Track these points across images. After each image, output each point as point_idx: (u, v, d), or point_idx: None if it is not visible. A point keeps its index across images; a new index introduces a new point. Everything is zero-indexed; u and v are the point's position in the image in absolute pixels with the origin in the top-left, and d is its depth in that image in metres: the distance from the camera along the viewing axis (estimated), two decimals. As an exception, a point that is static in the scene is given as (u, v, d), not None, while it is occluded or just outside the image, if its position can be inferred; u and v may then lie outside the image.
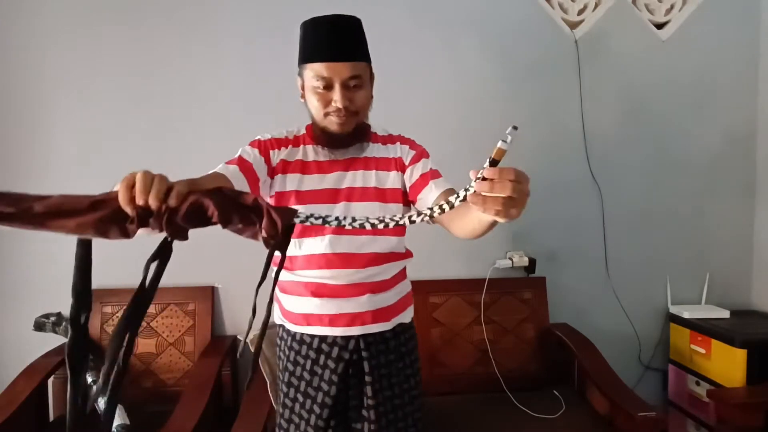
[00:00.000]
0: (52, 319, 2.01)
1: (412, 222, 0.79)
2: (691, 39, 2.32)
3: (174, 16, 2.09)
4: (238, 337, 1.91)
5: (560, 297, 2.27)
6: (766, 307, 2.34)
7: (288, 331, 1.24)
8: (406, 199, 1.21)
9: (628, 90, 2.31)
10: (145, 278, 0.67)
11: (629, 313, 2.32)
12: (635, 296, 2.33)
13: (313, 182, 1.18)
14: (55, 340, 2.00)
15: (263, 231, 0.68)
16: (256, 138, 1.21)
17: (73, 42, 2.05)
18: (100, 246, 2.22)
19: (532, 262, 2.23)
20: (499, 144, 0.71)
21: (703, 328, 2.14)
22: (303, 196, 1.16)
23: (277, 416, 1.27)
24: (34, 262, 2.07)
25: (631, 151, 2.32)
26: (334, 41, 1.08)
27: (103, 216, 0.64)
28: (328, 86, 1.09)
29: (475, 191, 0.71)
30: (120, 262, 2.10)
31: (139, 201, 0.66)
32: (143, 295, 0.67)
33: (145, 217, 0.65)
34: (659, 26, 2.33)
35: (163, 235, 0.68)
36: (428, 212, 0.79)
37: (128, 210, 0.65)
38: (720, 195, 2.37)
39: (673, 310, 2.32)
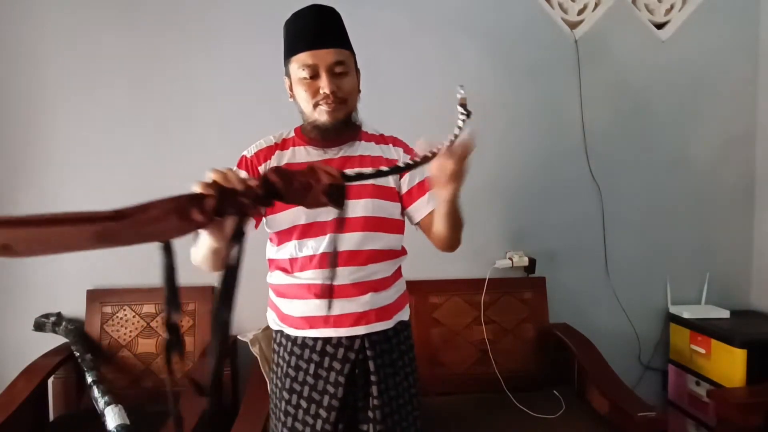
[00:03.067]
0: (52, 319, 2.00)
1: (414, 164, 0.93)
2: (691, 39, 2.32)
3: (172, 16, 2.09)
4: (239, 336, 1.91)
5: (560, 297, 2.27)
6: (766, 307, 2.34)
7: (287, 336, 1.21)
8: (401, 200, 1.23)
9: (627, 90, 2.31)
10: (232, 259, 0.75)
11: (629, 313, 2.32)
12: (635, 296, 2.33)
13: None
14: (55, 340, 2.00)
15: (322, 183, 0.77)
16: (243, 154, 1.22)
17: (73, 42, 2.05)
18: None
19: (532, 262, 2.23)
20: (459, 96, 0.96)
21: (703, 328, 2.13)
22: None
23: (276, 426, 1.23)
24: (34, 262, 2.07)
25: (631, 151, 2.32)
26: (317, 29, 1.10)
27: (183, 199, 0.69)
28: (315, 75, 1.10)
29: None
30: (120, 262, 2.11)
31: (226, 184, 0.74)
32: (232, 275, 0.75)
33: (225, 195, 0.73)
34: (659, 26, 2.33)
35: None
36: (428, 155, 0.94)
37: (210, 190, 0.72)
38: (720, 195, 2.37)
39: (673, 310, 2.31)
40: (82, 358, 1.89)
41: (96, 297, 2.06)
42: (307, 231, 1.15)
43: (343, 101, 1.12)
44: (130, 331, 2.05)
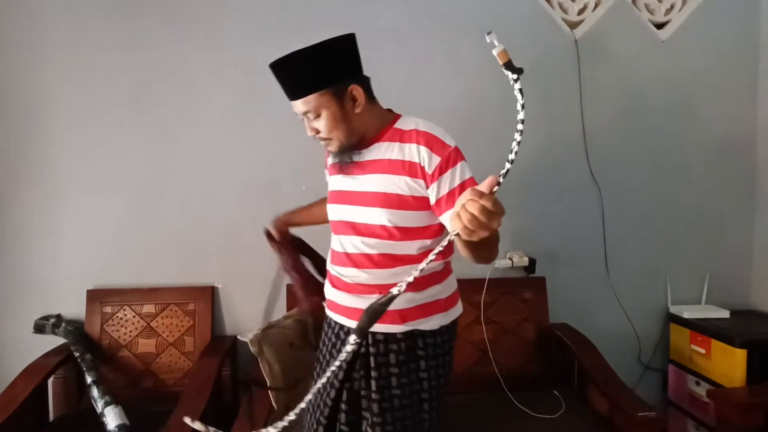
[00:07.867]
0: (52, 320, 2.00)
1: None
2: (691, 39, 2.31)
3: (174, 15, 2.08)
4: (239, 336, 1.90)
5: (560, 297, 2.27)
6: (766, 307, 2.34)
7: (327, 315, 1.38)
8: (427, 205, 1.18)
9: (628, 90, 2.31)
10: None
11: (629, 313, 2.32)
12: (635, 296, 2.33)
13: (335, 183, 1.30)
14: (55, 341, 2.00)
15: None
16: None
17: (73, 41, 2.05)
18: (100, 246, 2.24)
19: (532, 262, 2.23)
20: (495, 51, 0.80)
21: (703, 328, 2.13)
22: (331, 196, 1.32)
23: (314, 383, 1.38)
24: (34, 262, 2.07)
25: (631, 151, 2.32)
26: (282, 83, 1.19)
27: None
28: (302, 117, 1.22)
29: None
30: (120, 262, 2.11)
31: None
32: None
33: None
34: (659, 26, 2.33)
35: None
36: None
37: None
38: (720, 195, 2.37)
39: (673, 310, 2.31)
40: (82, 358, 1.89)
41: (96, 297, 2.06)
42: (335, 227, 1.31)
43: (329, 139, 1.21)
44: (130, 331, 2.05)
